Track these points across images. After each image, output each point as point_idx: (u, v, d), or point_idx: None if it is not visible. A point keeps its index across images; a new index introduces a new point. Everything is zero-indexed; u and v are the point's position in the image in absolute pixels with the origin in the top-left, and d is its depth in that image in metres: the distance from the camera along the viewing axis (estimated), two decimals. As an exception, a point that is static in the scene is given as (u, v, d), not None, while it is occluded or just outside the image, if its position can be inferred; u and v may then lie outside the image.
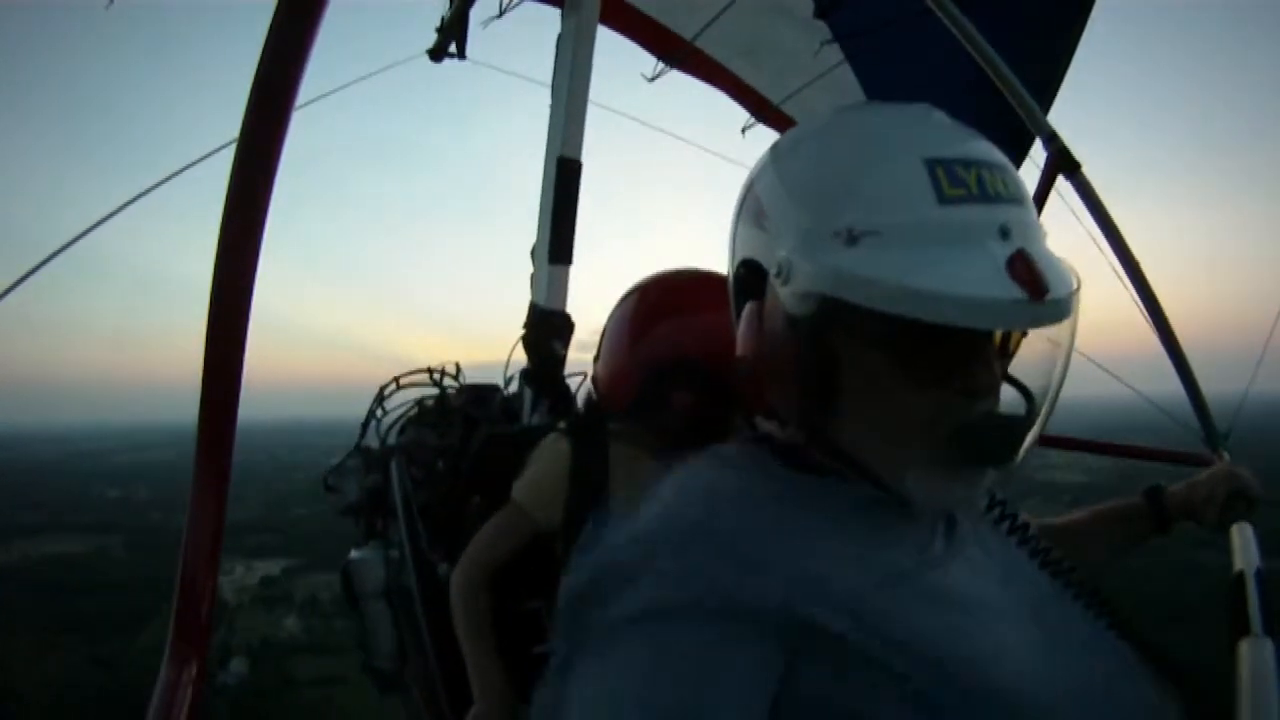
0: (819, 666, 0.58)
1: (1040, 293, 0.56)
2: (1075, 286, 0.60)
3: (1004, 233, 0.59)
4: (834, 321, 0.62)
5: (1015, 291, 0.55)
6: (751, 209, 0.70)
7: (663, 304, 1.40)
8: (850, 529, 0.65)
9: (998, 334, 0.65)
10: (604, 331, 1.47)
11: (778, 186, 0.67)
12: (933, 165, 0.60)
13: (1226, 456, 1.45)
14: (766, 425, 0.77)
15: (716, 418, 1.29)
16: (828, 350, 0.63)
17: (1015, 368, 0.69)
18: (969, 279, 0.56)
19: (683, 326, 1.36)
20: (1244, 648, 0.89)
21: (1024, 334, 0.67)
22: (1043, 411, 0.68)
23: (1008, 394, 0.69)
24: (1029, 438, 0.66)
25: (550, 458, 1.39)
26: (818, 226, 0.62)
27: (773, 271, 0.65)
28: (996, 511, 0.74)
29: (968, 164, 0.61)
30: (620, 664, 0.57)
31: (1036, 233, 0.62)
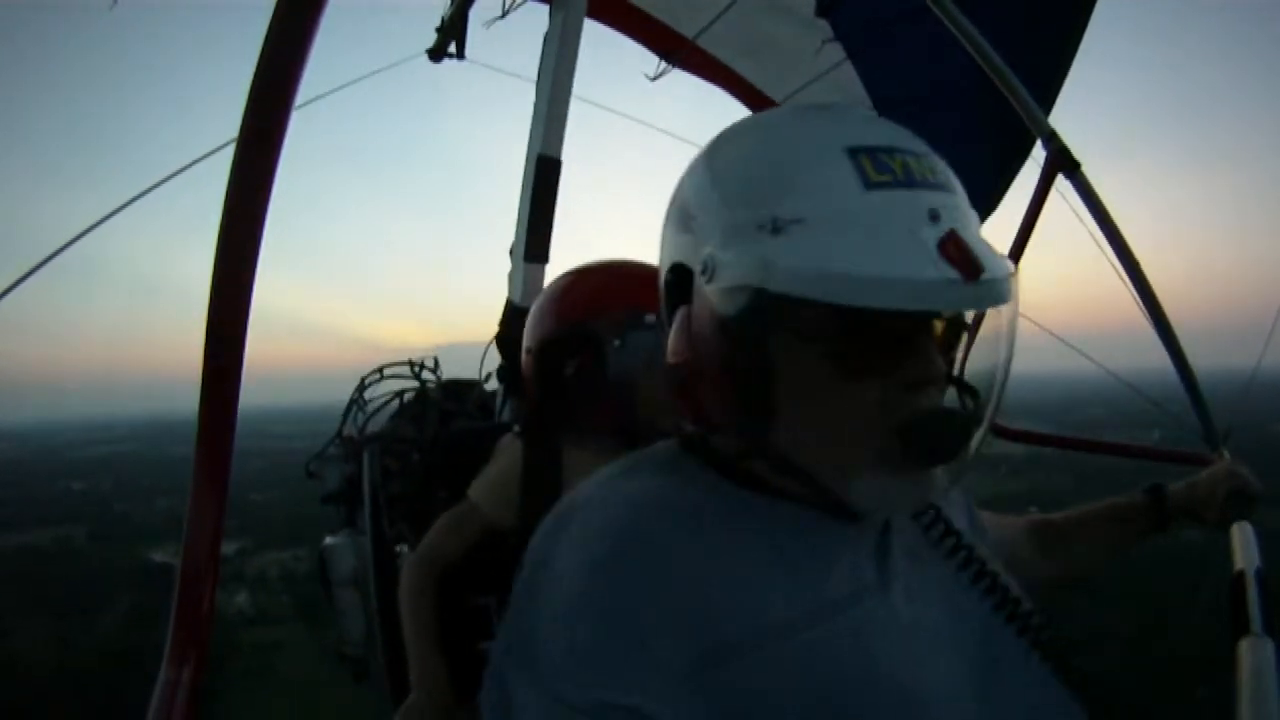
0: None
1: (975, 273, 0.54)
2: (1011, 271, 0.58)
3: (933, 216, 0.57)
4: (764, 318, 0.59)
5: (948, 272, 0.54)
6: (679, 211, 0.68)
7: (559, 287, 1.45)
8: (782, 553, 0.62)
9: (938, 326, 0.62)
10: None
11: (703, 186, 0.66)
12: (855, 153, 0.58)
13: (1226, 456, 1.45)
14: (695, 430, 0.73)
15: (623, 399, 1.31)
16: (759, 349, 0.61)
17: (962, 366, 0.67)
18: (899, 261, 0.54)
19: (572, 301, 1.40)
20: (1244, 647, 0.89)
21: (965, 326, 0.65)
22: (989, 406, 0.66)
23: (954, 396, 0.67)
24: (978, 434, 0.64)
25: (504, 458, 1.41)
26: (741, 219, 0.60)
27: (698, 270, 0.63)
28: (927, 523, 0.71)
29: (891, 151, 0.59)
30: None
31: (969, 219, 0.60)
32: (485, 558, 1.36)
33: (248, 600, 32.57)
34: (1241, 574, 1.02)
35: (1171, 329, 1.66)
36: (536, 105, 2.17)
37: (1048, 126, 1.80)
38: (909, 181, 0.58)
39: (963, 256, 0.54)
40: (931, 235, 0.55)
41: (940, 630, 0.64)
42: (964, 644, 0.65)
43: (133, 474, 59.42)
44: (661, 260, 0.71)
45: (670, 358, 0.67)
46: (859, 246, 0.55)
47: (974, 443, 0.63)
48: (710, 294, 0.62)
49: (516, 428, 1.46)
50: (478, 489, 1.39)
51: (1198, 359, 1.66)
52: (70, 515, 46.37)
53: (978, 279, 0.54)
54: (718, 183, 0.65)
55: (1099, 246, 1.72)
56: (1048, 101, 2.29)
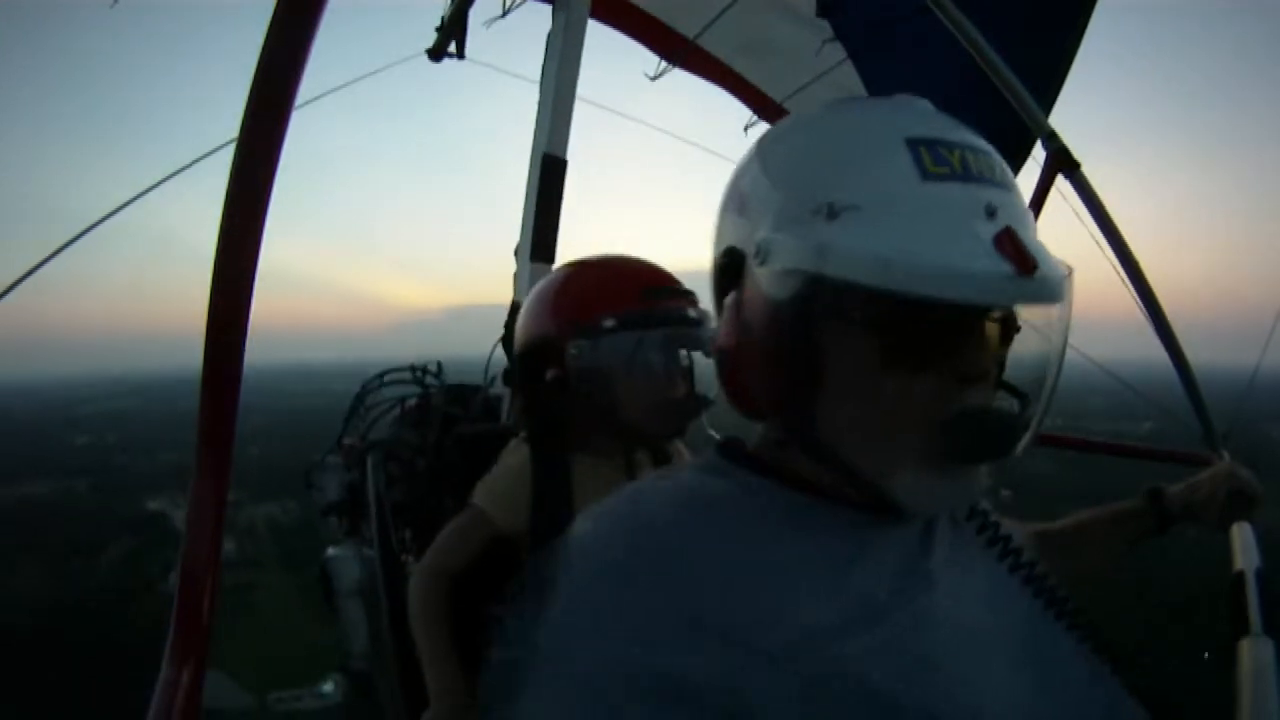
0: None
1: (1029, 268, 0.53)
2: (1067, 273, 0.57)
3: (990, 211, 0.56)
4: (815, 303, 0.58)
5: (1003, 266, 0.53)
6: (735, 199, 0.68)
7: (537, 291, 1.42)
8: (825, 552, 0.61)
9: (989, 324, 0.61)
10: None
11: (760, 173, 0.66)
12: (915, 144, 0.58)
13: (1226, 456, 1.45)
14: (753, 426, 0.72)
15: (601, 403, 1.29)
16: (808, 335, 0.59)
17: (1010, 371, 0.65)
18: (954, 252, 0.53)
19: (546, 307, 1.37)
20: (1244, 647, 0.89)
21: (1016, 327, 0.63)
22: (1039, 408, 0.64)
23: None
24: (1026, 435, 0.63)
25: (511, 464, 1.37)
26: (797, 204, 0.60)
27: (751, 253, 0.62)
28: (978, 523, 0.70)
29: (951, 145, 0.59)
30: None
31: (1026, 219, 0.59)
32: (494, 565, 1.32)
33: (233, 547, 33.41)
34: (1241, 574, 1.02)
35: (1171, 330, 1.66)
36: (541, 105, 2.16)
37: (1048, 126, 1.80)
38: (966, 176, 0.57)
39: (1018, 252, 0.53)
40: (988, 230, 0.54)
41: (987, 628, 0.63)
42: (1012, 641, 0.64)
43: (137, 428, 60.68)
44: (715, 246, 0.71)
45: (718, 341, 0.67)
46: (914, 235, 0.54)
47: (1021, 445, 0.62)
48: (762, 277, 0.61)
49: (522, 433, 1.42)
50: (484, 495, 1.36)
51: (1197, 359, 1.66)
52: (72, 468, 47.58)
53: (1033, 274, 0.53)
54: (773, 167, 0.65)
55: (1099, 246, 1.72)
56: (1048, 101, 2.29)
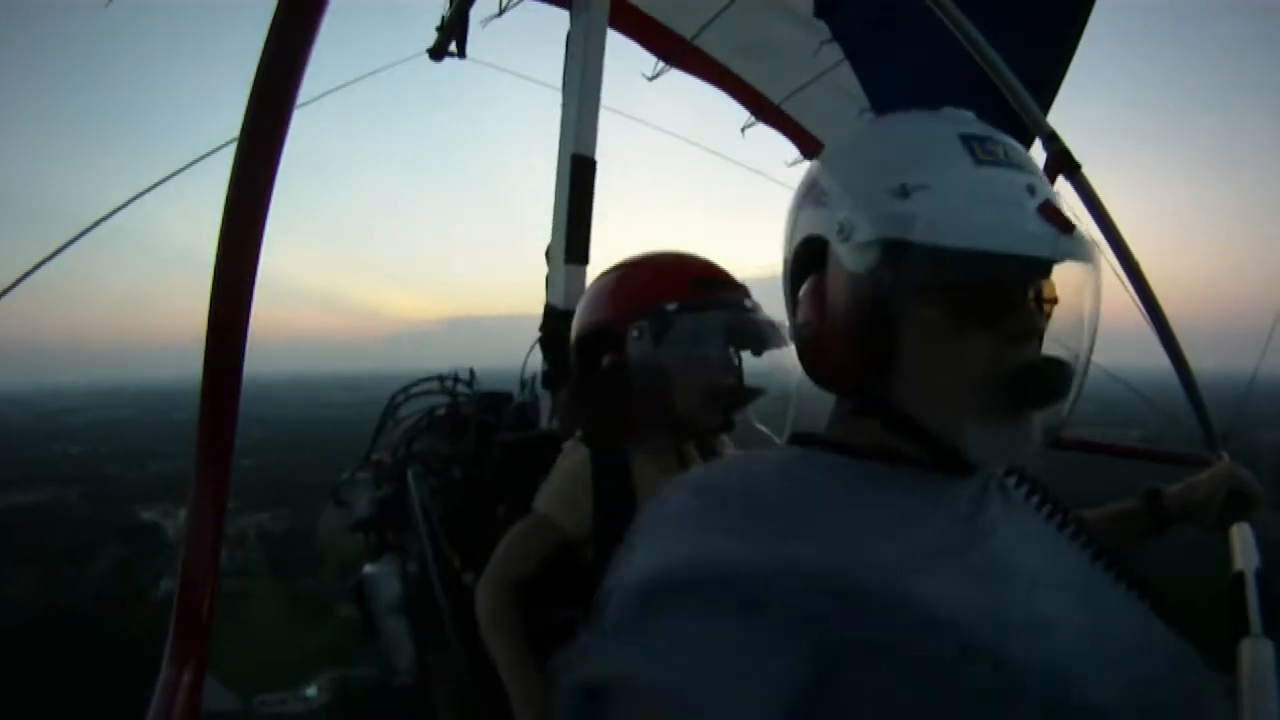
0: (854, 664, 0.59)
1: (1069, 228, 0.65)
2: (1092, 240, 0.68)
3: (1031, 189, 0.67)
4: (892, 269, 0.67)
5: (1049, 228, 0.64)
6: (810, 193, 0.77)
7: (596, 284, 1.47)
8: (899, 505, 0.68)
9: (1033, 288, 0.69)
10: None
11: (834, 170, 0.75)
12: (967, 139, 0.69)
13: (1226, 457, 1.45)
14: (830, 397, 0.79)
15: (658, 392, 1.33)
16: (885, 303, 0.68)
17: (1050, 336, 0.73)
18: (1012, 216, 0.65)
19: (605, 297, 1.42)
20: (1244, 648, 0.89)
21: (1055, 299, 0.71)
22: (1083, 360, 0.73)
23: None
24: (1075, 383, 0.71)
25: (571, 465, 1.37)
26: (872, 187, 0.69)
27: (834, 231, 0.71)
28: (1028, 487, 0.78)
29: (995, 140, 0.70)
30: (643, 652, 0.58)
31: (1057, 198, 0.69)
32: (559, 570, 1.33)
33: (226, 556, 32.86)
34: (1241, 575, 1.02)
35: (1172, 331, 1.66)
36: (565, 107, 2.14)
37: (1048, 127, 1.80)
38: (1010, 163, 0.69)
39: (1059, 217, 0.65)
40: (1032, 204, 0.66)
41: (1044, 575, 0.68)
42: (1067, 587, 0.69)
43: (129, 439, 61.59)
44: (790, 240, 0.79)
45: (800, 319, 0.76)
46: (975, 206, 0.65)
47: (1072, 393, 0.70)
48: (845, 253, 0.70)
49: (579, 433, 1.43)
50: (547, 501, 1.35)
51: (1198, 363, 1.66)
52: (65, 477, 48.23)
53: (1071, 234, 0.65)
54: (846, 164, 0.75)
55: (1099, 247, 1.72)
56: (1047, 101, 2.30)
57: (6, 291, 0.87)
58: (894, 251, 0.66)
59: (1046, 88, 2.30)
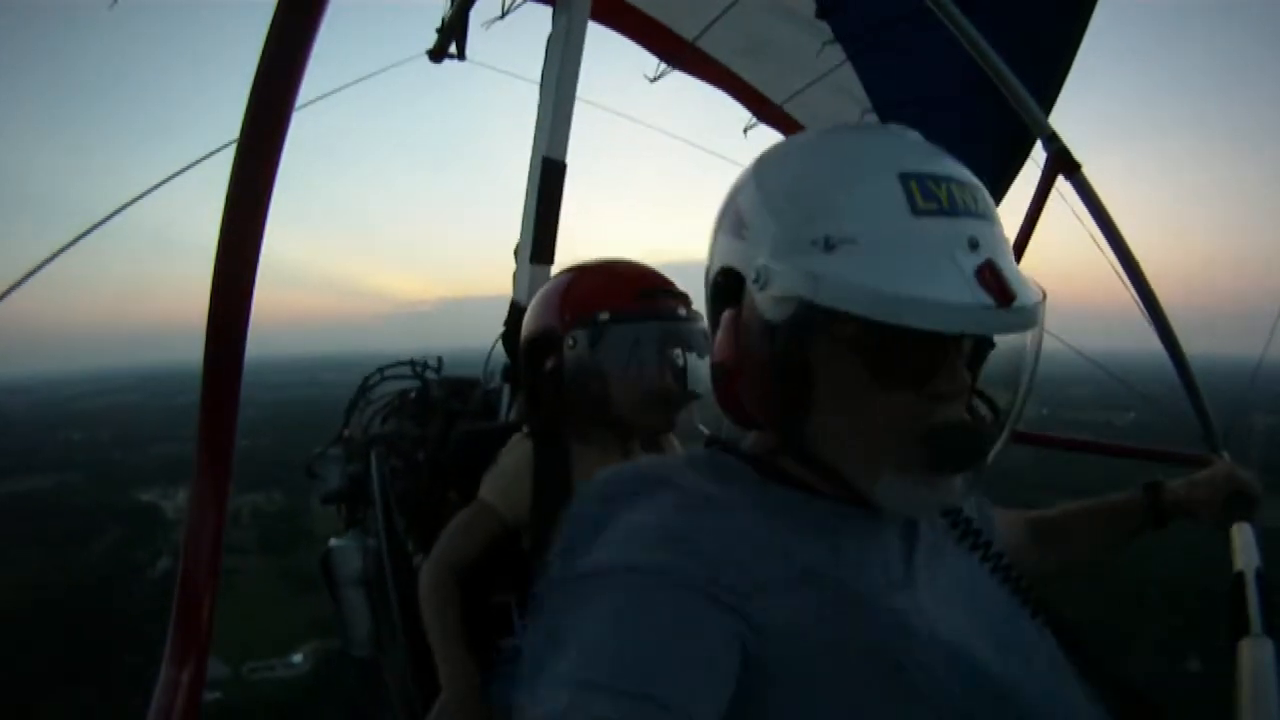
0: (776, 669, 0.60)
1: (1007, 300, 0.58)
2: (1041, 298, 0.62)
3: (973, 244, 0.61)
4: (808, 326, 0.64)
5: (984, 298, 0.58)
6: (732, 219, 0.72)
7: (546, 288, 1.51)
8: (819, 543, 0.66)
9: (966, 343, 0.67)
10: None
11: (758, 198, 0.70)
12: (906, 179, 0.62)
13: (1226, 456, 1.45)
14: (736, 431, 0.77)
15: (596, 395, 1.38)
16: (802, 354, 0.65)
17: (986, 378, 0.71)
18: (940, 285, 0.58)
19: (550, 302, 1.47)
20: (1244, 647, 0.89)
21: (992, 344, 0.69)
22: (1010, 419, 0.70)
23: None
24: (997, 444, 0.69)
25: (515, 457, 1.44)
26: (796, 235, 0.64)
27: (750, 277, 0.67)
28: (951, 523, 0.76)
29: (938, 180, 0.63)
30: (592, 612, 0.58)
31: (1004, 248, 0.64)
32: (499, 556, 1.40)
33: None
34: (1241, 574, 1.02)
35: (1172, 331, 1.66)
36: (541, 108, 2.17)
37: (1048, 127, 1.80)
38: (953, 210, 0.62)
39: (998, 284, 0.58)
40: (970, 263, 0.60)
41: (963, 622, 0.68)
42: (987, 631, 0.68)
43: (132, 423, 62.60)
44: (710, 263, 0.75)
45: (715, 356, 0.72)
46: (903, 270, 0.59)
47: (992, 453, 0.68)
48: (760, 300, 0.66)
49: (525, 428, 1.49)
50: (490, 489, 1.42)
51: (1194, 356, 1.66)
52: (68, 463, 49.31)
53: (1009, 306, 0.58)
54: (772, 195, 0.69)
55: (1099, 247, 1.72)
56: (1048, 102, 2.29)
57: (9, 291, 0.87)
58: (810, 308, 0.62)
59: (1048, 88, 2.29)
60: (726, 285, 0.71)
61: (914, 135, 0.70)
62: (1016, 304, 0.58)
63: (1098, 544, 1.11)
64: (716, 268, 0.73)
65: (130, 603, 27.35)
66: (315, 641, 24.81)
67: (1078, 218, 1.76)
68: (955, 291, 0.58)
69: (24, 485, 44.34)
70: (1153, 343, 1.67)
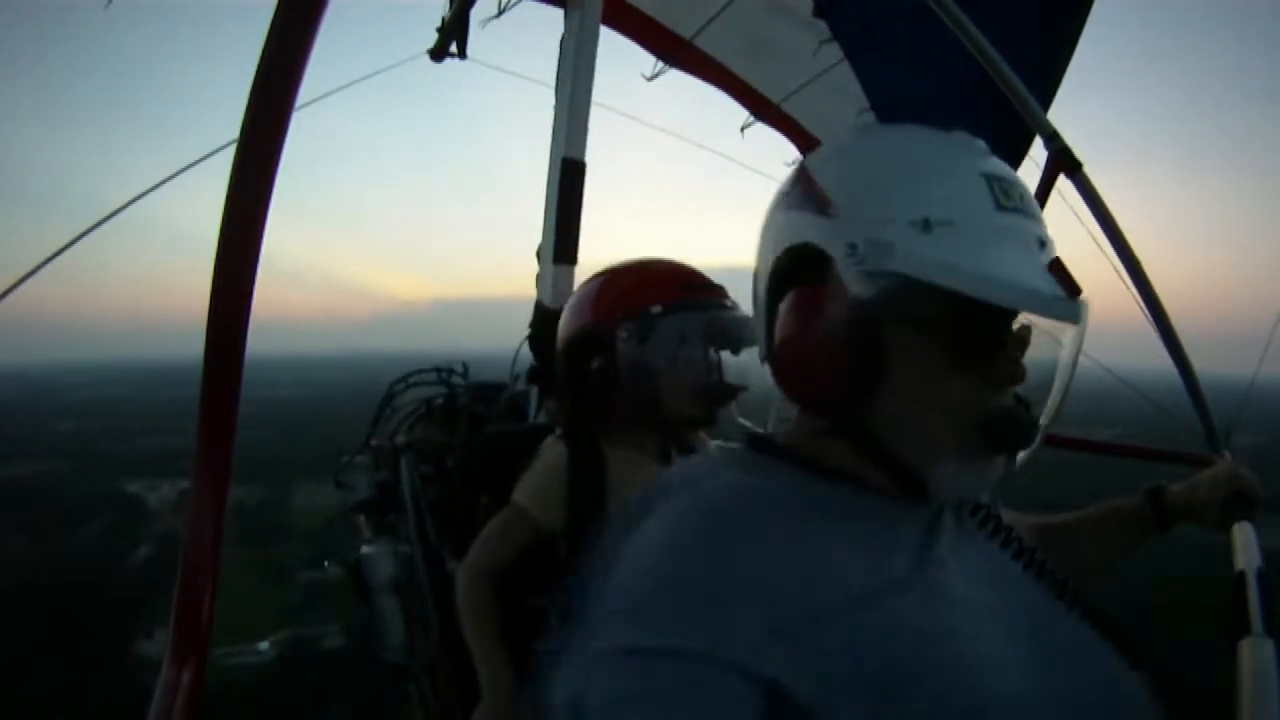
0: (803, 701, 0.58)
1: (1076, 293, 0.64)
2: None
3: (1041, 243, 0.68)
4: (899, 301, 0.66)
5: (1057, 289, 0.64)
6: (810, 197, 0.72)
7: (585, 287, 1.51)
8: (857, 534, 0.67)
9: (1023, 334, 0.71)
10: None
11: (848, 177, 0.72)
12: (989, 179, 0.68)
13: (1227, 456, 1.45)
14: (787, 415, 0.79)
15: (645, 393, 1.38)
16: (882, 334, 0.67)
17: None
18: (1027, 273, 0.65)
19: (594, 301, 1.47)
20: (1245, 647, 0.89)
21: (1028, 340, 0.71)
22: (1050, 410, 0.75)
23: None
24: (1039, 435, 0.72)
25: (549, 461, 1.43)
26: (896, 214, 0.67)
27: (843, 254, 0.68)
28: (981, 514, 0.77)
29: (1012, 183, 0.69)
30: (595, 692, 0.58)
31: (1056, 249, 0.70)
32: (534, 559, 1.39)
33: None
34: (1242, 574, 1.02)
35: (1174, 331, 1.65)
36: (557, 109, 2.16)
37: (1049, 126, 1.80)
38: (1025, 211, 0.68)
39: (1067, 279, 0.65)
40: (1042, 258, 0.67)
41: (994, 605, 0.69)
42: (1017, 617, 0.69)
43: (120, 415, 63.19)
44: (774, 241, 0.75)
45: (782, 332, 0.72)
46: (996, 257, 0.64)
47: (1038, 437, 0.72)
48: (851, 276, 0.68)
49: (558, 430, 1.48)
50: (524, 493, 1.41)
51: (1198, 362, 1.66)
52: (55, 452, 49.79)
53: (1077, 299, 0.64)
54: (867, 174, 0.71)
55: (1100, 248, 1.72)
56: (1047, 100, 2.29)
57: (10, 291, 0.87)
58: (907, 284, 0.64)
59: (1046, 86, 2.29)
60: (795, 263, 0.72)
61: (982, 143, 0.74)
62: (1081, 298, 0.64)
63: (1104, 549, 1.11)
64: (785, 245, 0.73)
65: (113, 588, 28.30)
66: (283, 631, 25.85)
67: (1078, 217, 1.76)
68: (1038, 280, 0.64)
69: (13, 472, 44.90)
70: (1153, 343, 1.66)
